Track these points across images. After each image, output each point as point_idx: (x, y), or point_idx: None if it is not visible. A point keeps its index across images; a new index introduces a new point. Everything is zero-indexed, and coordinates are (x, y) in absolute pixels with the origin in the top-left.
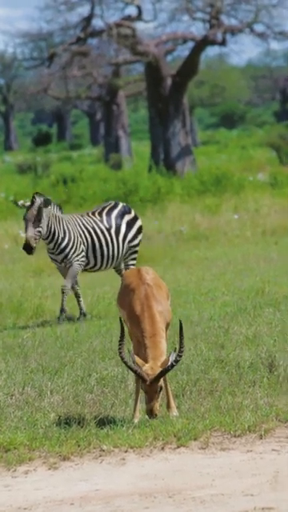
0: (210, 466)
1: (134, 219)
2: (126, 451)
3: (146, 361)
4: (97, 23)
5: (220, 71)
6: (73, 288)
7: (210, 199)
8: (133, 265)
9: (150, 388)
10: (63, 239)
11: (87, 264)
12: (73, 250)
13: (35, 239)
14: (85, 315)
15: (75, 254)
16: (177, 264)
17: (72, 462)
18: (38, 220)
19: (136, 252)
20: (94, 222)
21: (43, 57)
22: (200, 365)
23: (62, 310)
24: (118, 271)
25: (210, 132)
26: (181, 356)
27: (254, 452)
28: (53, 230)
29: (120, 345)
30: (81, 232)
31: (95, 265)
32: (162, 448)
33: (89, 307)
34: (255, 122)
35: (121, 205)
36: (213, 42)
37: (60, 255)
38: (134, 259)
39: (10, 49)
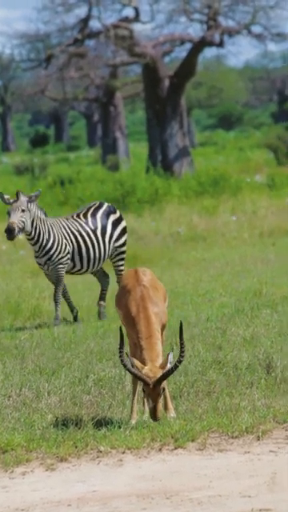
0: (207, 468)
1: (119, 219)
2: (123, 452)
3: (142, 362)
4: (94, 24)
5: (217, 73)
6: (64, 294)
7: (208, 200)
8: (122, 266)
9: (152, 391)
10: (48, 240)
11: (73, 267)
12: (57, 253)
13: (18, 226)
14: (77, 312)
15: (59, 257)
16: (174, 265)
17: (69, 463)
18: (22, 211)
19: (123, 253)
20: (80, 224)
21: (40, 58)
22: (197, 366)
23: (57, 318)
24: (96, 273)
25: (207, 133)
26: (183, 357)
27: (252, 453)
28: (38, 230)
29: (120, 351)
30: (66, 235)
31: (81, 267)
32: (160, 449)
33: (87, 309)
34: (253, 124)
35: (106, 205)
36: (210, 44)
37: (44, 257)
38: (122, 260)
39: (7, 50)
